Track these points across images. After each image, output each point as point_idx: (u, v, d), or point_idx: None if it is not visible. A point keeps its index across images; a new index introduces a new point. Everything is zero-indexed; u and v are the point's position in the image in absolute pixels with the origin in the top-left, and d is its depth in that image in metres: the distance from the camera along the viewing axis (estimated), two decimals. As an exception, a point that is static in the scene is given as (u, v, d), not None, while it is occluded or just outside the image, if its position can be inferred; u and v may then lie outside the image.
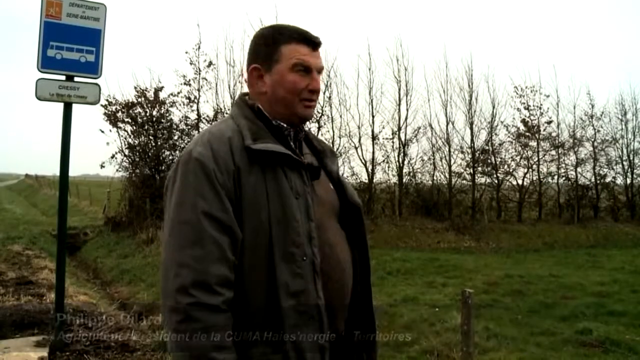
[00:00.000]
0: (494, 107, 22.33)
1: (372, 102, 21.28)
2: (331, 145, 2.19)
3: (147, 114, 18.67)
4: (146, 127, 18.75)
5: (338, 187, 1.77)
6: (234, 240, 1.46)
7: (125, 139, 18.69)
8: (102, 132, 18.48)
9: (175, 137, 19.05)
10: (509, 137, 22.60)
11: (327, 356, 1.56)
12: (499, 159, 22.43)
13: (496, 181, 22.39)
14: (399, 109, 21.42)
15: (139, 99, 18.57)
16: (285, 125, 1.66)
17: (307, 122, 1.79)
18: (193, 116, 19.26)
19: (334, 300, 1.58)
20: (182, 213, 1.45)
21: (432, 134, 21.93)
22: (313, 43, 1.65)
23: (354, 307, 1.70)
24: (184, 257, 1.41)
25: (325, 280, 1.55)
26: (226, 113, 18.90)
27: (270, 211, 1.50)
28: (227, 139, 1.54)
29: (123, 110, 18.37)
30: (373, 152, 21.14)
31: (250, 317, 1.48)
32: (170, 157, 19.00)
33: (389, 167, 21.51)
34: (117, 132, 18.49)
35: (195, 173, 1.47)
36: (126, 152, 18.71)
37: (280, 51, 1.63)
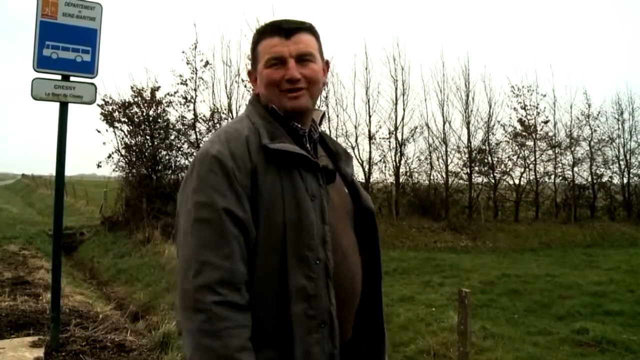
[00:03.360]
0: (490, 107, 22.47)
1: (369, 101, 21.41)
2: (345, 148, 2.04)
3: (144, 114, 18.62)
4: (143, 126, 18.70)
5: (352, 190, 1.73)
6: (249, 239, 1.44)
7: (122, 138, 18.66)
8: (99, 132, 18.46)
9: (172, 137, 19.00)
10: (505, 136, 22.75)
11: None
12: (496, 159, 22.53)
13: (493, 181, 22.45)
14: (396, 109, 21.51)
15: (136, 99, 18.52)
16: (300, 126, 1.62)
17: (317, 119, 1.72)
18: (190, 116, 19.26)
19: (343, 306, 1.54)
20: (201, 211, 1.41)
21: (428, 133, 22.07)
22: (285, 30, 1.58)
23: (362, 313, 1.66)
24: (206, 256, 1.37)
25: (336, 286, 1.51)
26: (223, 113, 18.93)
27: (285, 212, 1.46)
28: (245, 138, 1.51)
29: (120, 110, 18.32)
30: (370, 152, 21.24)
31: (260, 319, 1.44)
32: (167, 157, 18.98)
33: (385, 166, 21.64)
34: (114, 131, 18.46)
35: (213, 171, 1.43)
36: (123, 151, 18.66)
37: (258, 51, 1.62)
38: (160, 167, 18.78)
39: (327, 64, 1.72)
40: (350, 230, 1.66)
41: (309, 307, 1.45)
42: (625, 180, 24.31)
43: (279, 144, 1.51)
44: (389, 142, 21.42)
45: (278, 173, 1.50)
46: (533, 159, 22.75)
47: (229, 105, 19.08)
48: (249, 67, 1.71)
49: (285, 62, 1.57)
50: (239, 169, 1.45)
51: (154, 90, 18.71)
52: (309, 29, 1.63)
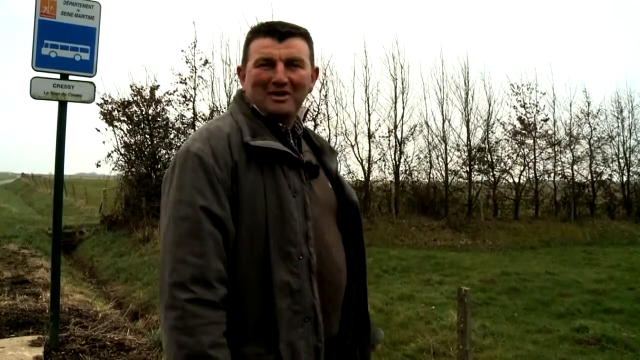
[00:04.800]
0: (490, 105, 22.44)
1: (368, 100, 21.38)
2: (330, 143, 2.13)
3: (143, 113, 18.64)
4: (142, 125, 18.73)
5: (337, 185, 1.75)
6: (228, 237, 1.44)
7: (121, 137, 18.70)
8: (98, 130, 18.51)
9: (172, 136, 19.02)
10: (505, 134, 22.70)
11: (322, 357, 1.54)
12: (496, 157, 22.51)
13: (492, 179, 22.43)
14: (395, 107, 21.49)
15: (135, 98, 18.54)
16: (281, 124, 1.63)
17: (302, 119, 1.75)
18: (189, 114, 19.29)
19: (328, 301, 1.57)
20: (179, 209, 1.43)
21: (428, 132, 22.04)
22: (279, 33, 1.60)
23: (348, 306, 1.69)
24: (181, 253, 1.38)
25: (320, 281, 1.53)
26: (222, 111, 18.89)
27: (267, 209, 1.48)
28: (226, 135, 1.52)
29: (119, 109, 18.34)
30: (369, 150, 21.21)
31: (244, 315, 1.46)
32: (167, 156, 18.99)
33: (385, 165, 21.61)
34: (113, 130, 18.50)
35: (193, 169, 1.45)
36: (122, 150, 18.71)
37: (249, 48, 1.64)
38: (159, 166, 18.78)
39: (316, 71, 1.74)
40: (334, 225, 1.68)
41: (293, 302, 1.48)
42: (624, 178, 24.30)
43: (261, 141, 1.53)
44: (389, 140, 21.42)
45: (260, 170, 1.51)
46: (533, 157, 22.74)
47: (229, 103, 19.02)
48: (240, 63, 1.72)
49: (274, 65, 1.58)
50: (220, 167, 1.46)
51: (153, 89, 18.75)
52: (303, 34, 1.65)
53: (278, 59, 1.58)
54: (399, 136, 21.39)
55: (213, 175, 1.45)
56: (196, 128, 18.91)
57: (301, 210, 1.53)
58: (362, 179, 20.98)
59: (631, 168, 24.27)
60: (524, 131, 22.58)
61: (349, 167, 21.13)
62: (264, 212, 1.48)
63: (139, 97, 18.57)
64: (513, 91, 22.60)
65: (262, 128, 1.58)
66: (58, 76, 4.65)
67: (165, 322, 1.37)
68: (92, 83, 4.83)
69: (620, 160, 24.13)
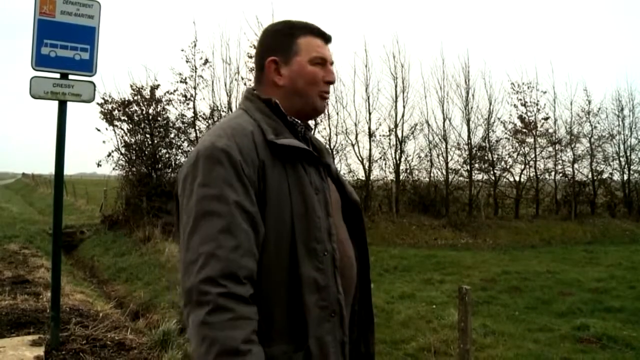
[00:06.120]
0: (490, 104, 22.43)
1: (368, 99, 21.38)
2: (325, 144, 2.22)
3: (144, 112, 18.61)
4: (142, 125, 18.70)
5: (337, 184, 1.77)
6: (259, 234, 1.43)
7: (122, 137, 18.67)
8: (99, 130, 18.49)
9: (172, 135, 19.00)
10: (505, 133, 22.70)
11: (347, 351, 1.56)
12: (496, 156, 22.50)
13: (493, 178, 22.42)
14: (396, 106, 21.48)
15: (135, 97, 18.51)
16: (299, 122, 1.66)
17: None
18: (189, 114, 19.25)
19: (345, 296, 1.58)
20: (209, 205, 1.39)
21: (429, 130, 22.03)
22: (326, 37, 1.70)
23: (353, 301, 1.70)
24: (211, 248, 1.35)
25: (340, 276, 1.56)
26: (223, 111, 18.89)
27: (292, 207, 1.49)
28: (250, 133, 1.51)
29: (119, 108, 18.32)
30: (370, 149, 21.19)
31: (270, 314, 1.44)
32: (167, 155, 19.00)
33: (385, 164, 21.59)
34: (114, 130, 18.47)
35: (222, 164, 1.42)
36: (123, 150, 18.67)
37: (297, 44, 1.64)
38: (160, 166, 18.78)
39: None
40: (342, 222, 1.70)
41: (320, 298, 1.49)
42: (625, 177, 24.28)
43: (285, 139, 1.54)
44: (389, 139, 21.40)
45: (284, 168, 1.52)
46: (533, 155, 22.74)
47: (229, 103, 19.08)
48: (271, 55, 1.66)
49: (325, 65, 1.67)
50: (247, 163, 1.45)
51: (153, 88, 18.73)
52: None
53: (329, 61, 1.68)
54: (399, 135, 21.40)
55: (241, 171, 1.43)
56: (197, 127, 18.93)
57: (323, 207, 1.55)
58: (363, 178, 20.97)
59: (632, 166, 24.28)
60: (524, 130, 22.58)
61: (350, 166, 21.15)
62: (290, 210, 1.49)
63: (139, 97, 18.55)
64: (514, 90, 22.63)
65: (280, 126, 1.59)
66: (58, 76, 4.66)
67: (194, 319, 1.33)
68: (92, 82, 4.83)
69: (621, 159, 24.13)
